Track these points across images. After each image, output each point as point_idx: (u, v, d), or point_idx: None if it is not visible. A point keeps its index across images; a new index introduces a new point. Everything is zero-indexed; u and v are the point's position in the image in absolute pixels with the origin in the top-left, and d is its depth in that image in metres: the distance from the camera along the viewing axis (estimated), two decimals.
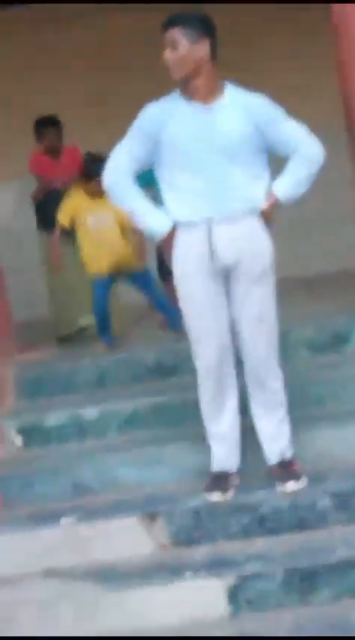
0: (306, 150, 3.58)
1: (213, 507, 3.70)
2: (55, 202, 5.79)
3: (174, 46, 3.48)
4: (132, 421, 4.28)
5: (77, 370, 4.65)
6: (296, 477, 3.72)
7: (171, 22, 3.50)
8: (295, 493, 3.68)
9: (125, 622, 3.39)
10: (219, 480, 3.74)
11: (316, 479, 3.79)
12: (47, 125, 5.99)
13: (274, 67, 6.90)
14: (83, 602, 3.45)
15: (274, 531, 3.66)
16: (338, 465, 3.91)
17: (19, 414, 4.43)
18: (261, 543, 3.62)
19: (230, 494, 3.71)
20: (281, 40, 6.98)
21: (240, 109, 3.52)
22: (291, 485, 3.69)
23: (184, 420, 4.22)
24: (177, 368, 4.58)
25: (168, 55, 3.50)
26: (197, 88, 3.53)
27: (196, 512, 3.69)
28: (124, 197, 3.62)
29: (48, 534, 3.74)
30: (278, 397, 3.73)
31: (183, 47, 3.47)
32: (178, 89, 3.58)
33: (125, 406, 4.32)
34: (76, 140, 5.97)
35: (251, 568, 3.45)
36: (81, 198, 5.29)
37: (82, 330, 5.71)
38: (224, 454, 3.76)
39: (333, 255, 6.89)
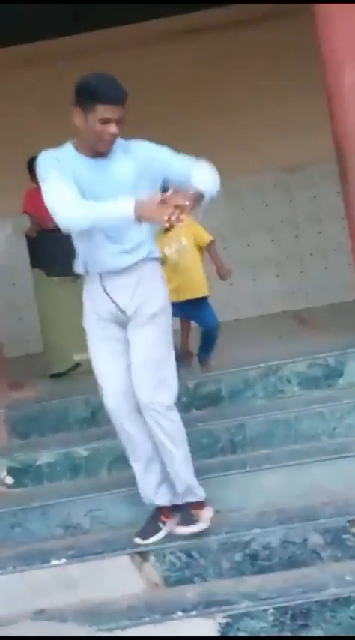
0: (202, 168, 3.58)
1: (204, 545, 3.68)
2: (49, 241, 5.83)
3: (121, 123, 3.48)
4: (123, 459, 4.24)
5: (69, 408, 4.64)
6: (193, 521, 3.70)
7: (125, 99, 3.48)
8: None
9: None
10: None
11: (307, 515, 3.78)
12: None
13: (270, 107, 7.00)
14: None
15: (265, 569, 3.65)
16: (330, 500, 3.89)
17: (10, 453, 4.41)
18: (252, 581, 3.61)
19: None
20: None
21: (128, 159, 3.54)
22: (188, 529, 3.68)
23: None
24: None
25: (115, 130, 3.47)
26: (99, 153, 3.55)
27: (187, 551, 3.68)
28: (85, 211, 3.45)
29: (38, 575, 3.72)
30: (172, 439, 3.66)
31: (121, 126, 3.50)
32: (71, 144, 3.58)
33: (116, 444, 4.28)
34: None
35: (242, 607, 3.43)
36: None
37: (76, 367, 5.71)
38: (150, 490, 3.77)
39: (326, 289, 6.93)
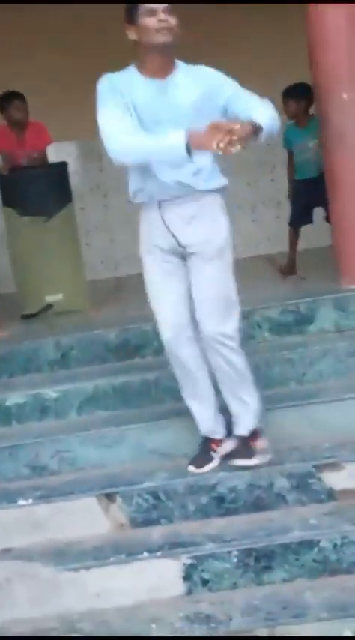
0: (264, 106, 3.49)
1: (171, 488, 3.71)
2: (21, 179, 5.75)
3: (172, 13, 3.42)
4: (92, 401, 4.27)
5: (39, 349, 4.62)
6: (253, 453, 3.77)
7: None
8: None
9: (81, 602, 3.41)
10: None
11: (274, 459, 3.80)
12: (12, 99, 5.92)
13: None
14: (39, 582, 3.46)
15: (231, 512, 3.68)
16: (298, 445, 3.92)
17: None
18: (217, 523, 3.64)
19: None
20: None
21: (191, 82, 3.50)
22: (249, 462, 3.75)
23: (145, 401, 4.23)
24: (140, 348, 4.57)
25: (167, 17, 3.41)
26: (158, 65, 3.49)
27: (154, 493, 3.70)
28: (135, 146, 3.40)
29: (5, 514, 3.74)
30: (236, 368, 3.71)
31: (174, 18, 3.44)
32: (134, 65, 3.54)
33: (86, 386, 4.30)
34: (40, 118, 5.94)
35: (207, 548, 3.47)
36: None
37: (48, 308, 5.67)
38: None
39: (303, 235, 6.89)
